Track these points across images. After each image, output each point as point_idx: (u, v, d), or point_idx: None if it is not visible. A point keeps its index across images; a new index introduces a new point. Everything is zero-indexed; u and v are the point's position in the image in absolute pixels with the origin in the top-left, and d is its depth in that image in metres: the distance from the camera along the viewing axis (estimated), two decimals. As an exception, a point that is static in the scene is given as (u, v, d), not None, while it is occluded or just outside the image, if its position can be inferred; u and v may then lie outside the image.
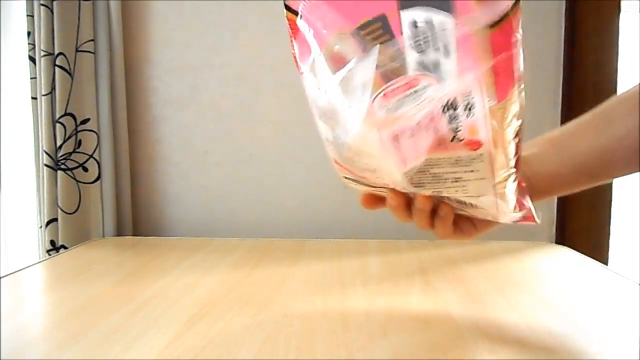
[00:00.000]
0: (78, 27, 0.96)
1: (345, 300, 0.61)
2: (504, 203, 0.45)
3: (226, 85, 1.04)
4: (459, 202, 0.46)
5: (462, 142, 0.39)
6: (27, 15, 0.96)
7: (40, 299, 0.67)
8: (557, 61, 1.01)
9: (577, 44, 1.00)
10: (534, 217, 0.49)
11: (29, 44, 0.97)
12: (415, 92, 0.37)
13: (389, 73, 0.38)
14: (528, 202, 0.48)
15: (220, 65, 1.04)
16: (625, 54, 1.01)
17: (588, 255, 0.82)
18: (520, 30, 0.37)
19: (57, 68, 0.94)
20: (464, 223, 0.51)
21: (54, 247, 0.97)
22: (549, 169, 0.49)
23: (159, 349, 0.47)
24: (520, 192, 0.46)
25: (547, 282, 0.70)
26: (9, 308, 0.59)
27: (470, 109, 0.37)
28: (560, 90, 1.02)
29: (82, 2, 0.95)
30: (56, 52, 0.94)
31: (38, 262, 0.80)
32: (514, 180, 0.43)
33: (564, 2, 1.00)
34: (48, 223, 0.97)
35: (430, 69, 0.37)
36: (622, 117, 0.46)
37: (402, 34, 0.36)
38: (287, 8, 0.41)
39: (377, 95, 0.38)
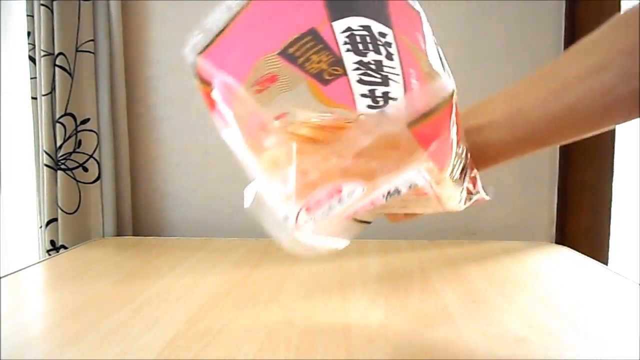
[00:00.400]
0: (78, 27, 0.96)
1: (345, 300, 0.61)
2: (455, 208, 0.45)
3: (226, 85, 1.04)
4: None
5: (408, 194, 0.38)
6: (27, 15, 0.96)
7: (40, 299, 0.67)
8: (557, 61, 1.01)
9: (577, 44, 1.00)
10: (483, 198, 0.49)
11: (29, 44, 0.97)
12: (340, 200, 0.36)
13: (327, 75, 0.38)
14: (479, 186, 0.48)
15: (220, 65, 1.04)
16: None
17: (588, 255, 0.82)
18: (454, 116, 0.35)
19: (57, 68, 0.94)
20: None
21: (54, 247, 0.97)
22: (501, 138, 0.48)
23: (159, 349, 0.47)
24: (473, 181, 0.46)
25: (547, 282, 0.70)
26: (9, 308, 0.59)
27: (413, 187, 0.36)
28: (560, 90, 1.02)
29: (82, 2, 0.95)
30: (56, 52, 0.94)
31: (38, 262, 0.80)
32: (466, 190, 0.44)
33: (564, 2, 1.00)
34: (48, 223, 0.97)
35: (373, 68, 0.37)
36: (573, 82, 0.45)
37: (336, 41, 0.36)
38: (200, 79, 0.38)
39: (299, 211, 0.37)
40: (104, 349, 0.47)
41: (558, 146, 1.00)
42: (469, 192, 0.47)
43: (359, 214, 0.42)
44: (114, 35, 0.99)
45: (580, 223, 1.04)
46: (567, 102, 0.45)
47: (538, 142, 0.49)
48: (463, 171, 0.42)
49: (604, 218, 1.03)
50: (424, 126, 0.34)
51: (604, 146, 0.99)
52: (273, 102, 0.41)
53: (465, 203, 0.46)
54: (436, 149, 0.35)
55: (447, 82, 0.33)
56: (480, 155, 0.48)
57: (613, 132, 0.97)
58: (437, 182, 0.38)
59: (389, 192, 0.36)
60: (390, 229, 1.03)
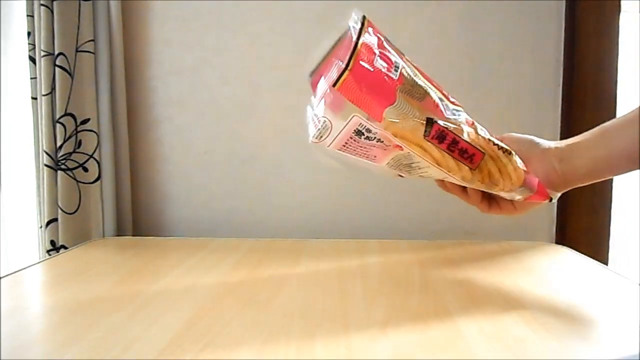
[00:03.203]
0: (78, 27, 0.96)
1: (345, 300, 0.61)
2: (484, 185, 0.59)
3: (226, 85, 1.04)
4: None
5: (391, 146, 0.54)
6: (27, 15, 0.96)
7: (40, 299, 0.67)
8: (557, 61, 1.01)
9: (577, 44, 1.00)
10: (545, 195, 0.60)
11: (29, 44, 0.97)
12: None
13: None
14: (533, 182, 0.59)
15: (220, 65, 1.04)
16: (625, 54, 1.01)
17: (588, 255, 0.82)
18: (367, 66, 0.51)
19: (57, 68, 0.94)
20: (504, 202, 0.62)
21: (54, 247, 0.97)
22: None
23: (159, 349, 0.47)
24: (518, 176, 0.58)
25: (547, 282, 0.70)
26: (9, 308, 0.59)
27: (367, 131, 0.53)
28: (560, 90, 1.02)
29: (82, 2, 0.95)
30: (56, 52, 0.94)
31: (38, 262, 0.80)
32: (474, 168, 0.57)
33: (564, 2, 1.00)
34: (48, 223, 0.97)
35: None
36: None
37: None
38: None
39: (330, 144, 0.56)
40: (104, 349, 0.47)
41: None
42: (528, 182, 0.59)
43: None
44: (114, 35, 0.99)
45: (580, 223, 1.04)
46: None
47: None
48: (430, 137, 0.55)
49: (604, 218, 1.03)
50: (344, 87, 0.52)
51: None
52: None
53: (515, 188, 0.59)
54: (365, 104, 0.52)
55: None
56: (567, 179, 0.59)
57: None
58: (396, 134, 0.54)
59: (356, 131, 0.54)
60: (390, 229, 1.03)
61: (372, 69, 0.52)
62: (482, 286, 0.66)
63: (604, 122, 0.59)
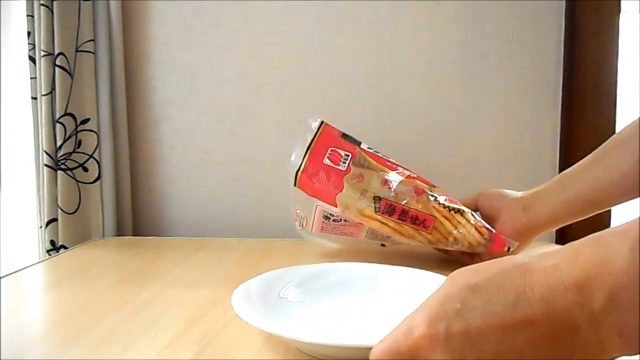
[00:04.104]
0: (78, 27, 0.96)
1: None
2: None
3: (226, 85, 1.04)
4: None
5: (356, 223, 0.64)
6: (27, 15, 0.96)
7: (40, 299, 0.67)
8: (557, 61, 1.01)
9: (577, 44, 1.00)
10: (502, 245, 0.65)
11: (29, 44, 0.97)
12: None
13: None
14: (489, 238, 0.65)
15: (220, 65, 1.04)
16: (625, 54, 1.01)
17: (588, 255, 0.82)
18: (320, 175, 0.64)
19: (57, 68, 0.94)
20: (484, 254, 0.66)
21: (54, 247, 0.97)
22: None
23: (159, 349, 0.47)
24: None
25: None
26: (9, 308, 0.59)
27: (331, 215, 0.65)
28: (560, 90, 1.02)
29: (82, 2, 0.95)
30: (56, 52, 0.94)
31: (38, 262, 0.80)
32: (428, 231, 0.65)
33: (564, 2, 1.00)
34: (48, 223, 0.97)
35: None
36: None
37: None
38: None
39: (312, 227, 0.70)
40: (104, 349, 0.47)
41: (558, 145, 1.00)
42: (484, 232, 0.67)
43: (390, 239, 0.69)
44: (114, 35, 0.99)
45: (580, 223, 1.04)
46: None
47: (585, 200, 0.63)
48: (379, 212, 0.64)
49: (604, 218, 1.03)
50: (300, 184, 0.66)
51: (604, 146, 0.99)
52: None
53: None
54: (321, 195, 0.65)
55: None
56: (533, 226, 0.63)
57: (612, 131, 0.97)
58: (352, 215, 0.65)
59: (324, 215, 0.68)
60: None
61: (320, 166, 0.62)
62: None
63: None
